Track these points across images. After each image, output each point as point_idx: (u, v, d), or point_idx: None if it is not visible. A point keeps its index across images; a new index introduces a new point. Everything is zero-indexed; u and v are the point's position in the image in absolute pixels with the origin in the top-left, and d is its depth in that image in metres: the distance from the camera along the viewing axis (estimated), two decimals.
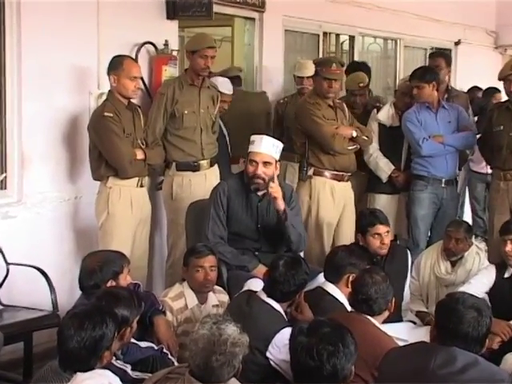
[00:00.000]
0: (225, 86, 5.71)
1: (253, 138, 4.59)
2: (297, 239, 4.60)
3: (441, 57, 6.45)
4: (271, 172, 4.52)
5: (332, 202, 5.40)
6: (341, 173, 5.42)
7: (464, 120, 5.81)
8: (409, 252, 4.93)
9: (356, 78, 6.20)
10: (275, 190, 4.47)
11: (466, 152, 6.44)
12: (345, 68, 6.01)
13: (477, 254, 4.87)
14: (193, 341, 2.80)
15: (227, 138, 5.89)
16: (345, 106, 5.60)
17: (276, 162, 4.57)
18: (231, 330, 2.81)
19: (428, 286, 4.91)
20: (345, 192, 5.49)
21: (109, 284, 3.63)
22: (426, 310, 4.80)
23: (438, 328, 2.97)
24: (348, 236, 5.38)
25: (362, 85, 6.12)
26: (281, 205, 4.49)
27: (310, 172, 5.42)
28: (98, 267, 3.67)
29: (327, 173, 5.40)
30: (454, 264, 4.86)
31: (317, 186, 5.40)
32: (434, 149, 5.61)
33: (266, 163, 4.50)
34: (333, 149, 5.33)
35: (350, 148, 5.38)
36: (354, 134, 5.37)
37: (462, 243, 4.80)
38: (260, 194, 4.59)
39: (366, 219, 4.73)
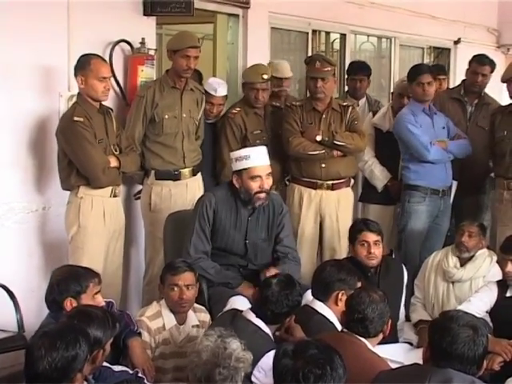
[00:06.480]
0: (212, 86, 5.67)
1: (245, 152, 4.58)
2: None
3: (490, 65, 6.16)
4: (271, 181, 4.58)
5: (302, 211, 5.45)
6: (313, 180, 5.45)
7: (454, 127, 5.84)
8: (404, 267, 4.93)
9: (258, 68, 5.74)
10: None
11: None
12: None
13: (489, 256, 4.93)
14: (195, 352, 2.86)
15: None
16: (350, 109, 5.54)
17: None
18: (236, 344, 2.89)
19: (434, 283, 4.95)
20: (326, 201, 5.47)
21: (68, 302, 3.56)
22: (428, 318, 4.74)
23: (431, 348, 2.96)
24: (337, 250, 5.43)
25: (265, 77, 5.64)
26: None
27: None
28: (56, 282, 3.63)
29: (297, 179, 5.52)
30: (463, 264, 4.90)
31: (288, 193, 5.53)
32: (440, 155, 5.61)
33: (268, 174, 4.54)
34: (287, 153, 5.43)
35: (311, 153, 5.37)
36: (318, 138, 5.37)
37: (475, 238, 4.87)
38: (250, 207, 4.60)
39: (355, 226, 4.81)
